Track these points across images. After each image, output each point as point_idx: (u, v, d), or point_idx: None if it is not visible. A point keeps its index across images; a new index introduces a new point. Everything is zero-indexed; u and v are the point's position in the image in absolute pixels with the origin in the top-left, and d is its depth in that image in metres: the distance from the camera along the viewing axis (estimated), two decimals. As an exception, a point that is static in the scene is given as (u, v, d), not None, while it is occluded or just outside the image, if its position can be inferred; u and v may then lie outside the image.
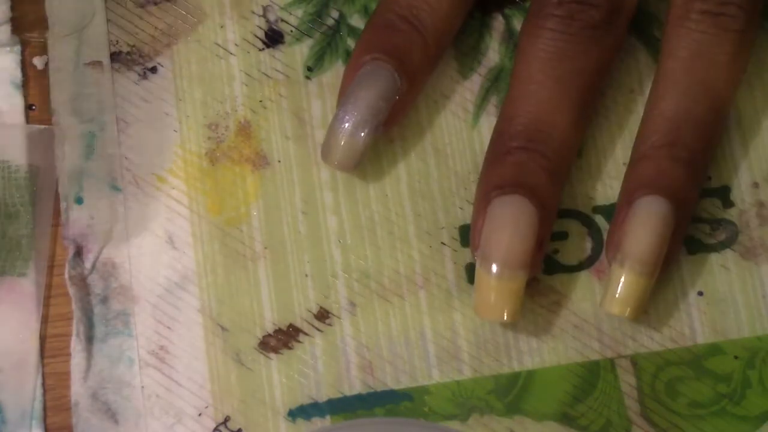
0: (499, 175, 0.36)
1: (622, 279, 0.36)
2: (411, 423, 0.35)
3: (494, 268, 0.35)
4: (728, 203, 0.39)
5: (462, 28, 0.40)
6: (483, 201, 0.36)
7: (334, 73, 0.40)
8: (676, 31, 0.37)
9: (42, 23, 0.40)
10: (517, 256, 0.35)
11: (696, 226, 0.39)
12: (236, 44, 0.40)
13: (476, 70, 0.40)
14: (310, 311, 0.38)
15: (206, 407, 0.37)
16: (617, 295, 0.36)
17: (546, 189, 0.36)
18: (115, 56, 0.40)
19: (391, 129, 0.39)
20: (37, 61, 0.40)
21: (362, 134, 0.37)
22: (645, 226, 0.36)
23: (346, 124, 0.37)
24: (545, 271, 0.38)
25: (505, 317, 0.36)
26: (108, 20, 0.40)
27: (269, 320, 0.38)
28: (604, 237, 0.39)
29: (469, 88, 0.40)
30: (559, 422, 0.37)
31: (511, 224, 0.35)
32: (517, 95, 0.37)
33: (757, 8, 0.37)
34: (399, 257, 0.39)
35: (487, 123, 0.40)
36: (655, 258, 0.36)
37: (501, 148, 0.37)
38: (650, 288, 0.36)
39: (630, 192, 0.36)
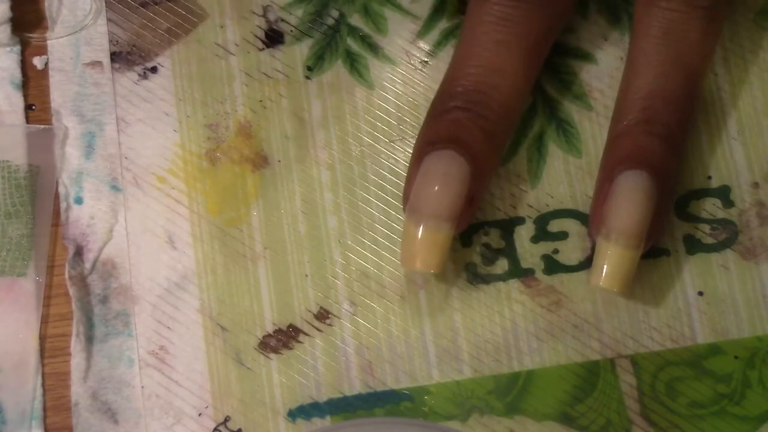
0: (434, 132, 0.37)
1: (609, 253, 0.36)
2: (411, 423, 0.35)
3: (420, 218, 0.35)
4: (728, 203, 0.39)
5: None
6: (417, 157, 0.36)
7: (334, 73, 0.40)
8: (647, 11, 0.38)
9: (42, 23, 0.40)
10: (444, 207, 0.35)
11: (696, 226, 0.39)
12: (236, 44, 0.40)
13: (476, 70, 0.40)
14: (310, 311, 0.38)
15: (206, 407, 0.37)
16: (605, 270, 0.36)
17: (481, 146, 0.36)
18: (115, 56, 0.40)
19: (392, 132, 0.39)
20: (37, 61, 0.40)
21: None
22: (628, 199, 0.36)
23: None
24: (545, 271, 0.38)
25: (427, 268, 0.35)
26: (108, 20, 0.40)
27: (269, 320, 0.38)
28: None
29: (469, 88, 0.40)
30: (559, 422, 0.37)
31: (441, 177, 0.35)
32: (460, 58, 0.38)
33: None
34: (399, 257, 0.38)
35: (487, 123, 0.40)
36: (640, 230, 0.36)
37: (440, 107, 0.37)
38: (637, 261, 0.36)
39: (610, 169, 0.37)
